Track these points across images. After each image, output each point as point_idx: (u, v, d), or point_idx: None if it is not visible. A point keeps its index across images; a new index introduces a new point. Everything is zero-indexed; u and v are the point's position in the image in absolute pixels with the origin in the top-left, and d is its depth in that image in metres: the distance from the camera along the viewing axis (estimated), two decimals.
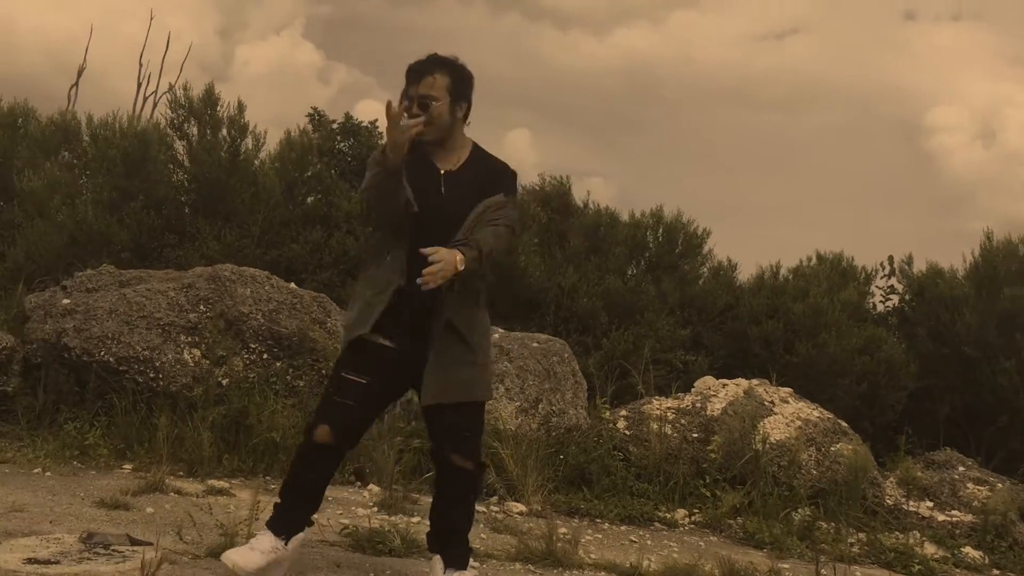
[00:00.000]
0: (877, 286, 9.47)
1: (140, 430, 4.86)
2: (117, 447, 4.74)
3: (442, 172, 3.09)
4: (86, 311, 5.21)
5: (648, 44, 30.19)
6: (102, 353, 5.07)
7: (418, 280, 2.82)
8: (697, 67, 29.11)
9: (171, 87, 12.03)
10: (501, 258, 3.19)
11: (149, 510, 3.76)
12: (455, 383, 3.04)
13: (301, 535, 3.15)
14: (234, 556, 2.93)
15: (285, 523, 3.09)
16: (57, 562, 2.82)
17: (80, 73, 14.25)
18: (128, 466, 4.62)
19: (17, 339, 5.27)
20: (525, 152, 24.01)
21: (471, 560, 3.29)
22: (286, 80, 26.98)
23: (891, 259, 9.45)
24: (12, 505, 3.55)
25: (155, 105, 13.82)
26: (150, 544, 3.11)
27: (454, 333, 3.03)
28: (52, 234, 7.14)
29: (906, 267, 9.48)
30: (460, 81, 3.11)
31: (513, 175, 3.22)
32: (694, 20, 30.71)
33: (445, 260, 2.86)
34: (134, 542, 3.14)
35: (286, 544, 3.06)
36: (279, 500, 3.15)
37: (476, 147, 3.21)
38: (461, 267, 2.88)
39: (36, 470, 4.29)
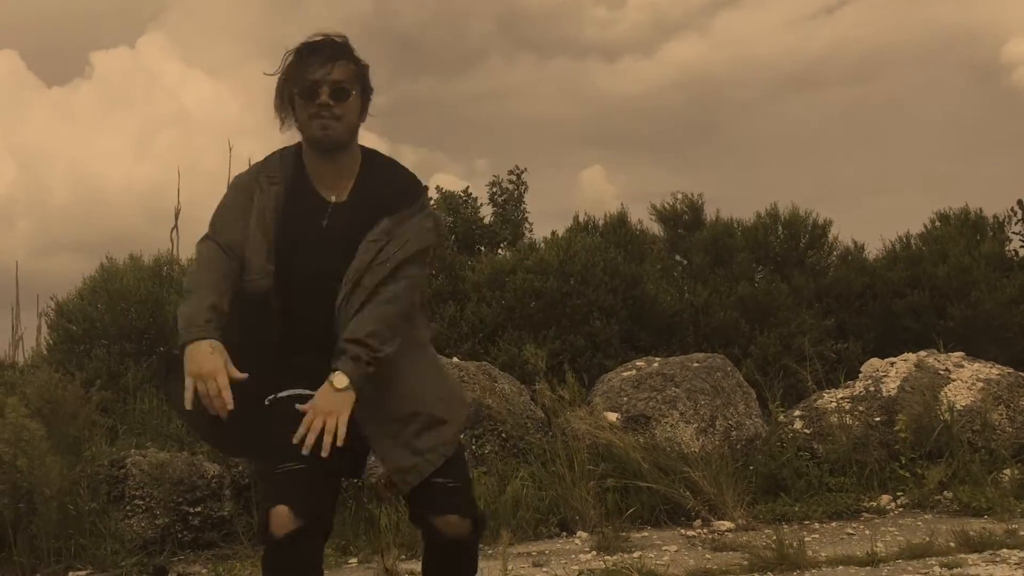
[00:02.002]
0: (1014, 232, 9.21)
1: (355, 525, 5.12)
2: (339, 544, 4.99)
3: (329, 202, 2.41)
4: None
5: (699, 52, 30.11)
6: None
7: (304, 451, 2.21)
8: (754, 62, 28.87)
9: None
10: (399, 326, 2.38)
11: None
12: (417, 453, 2.39)
13: None
14: None
15: None
16: None
17: (177, 215, 15.00)
18: (353, 560, 4.86)
19: (222, 465, 5.62)
20: (602, 187, 24.12)
21: None
22: None
23: (1020, 202, 9.18)
24: None
25: None
26: None
27: (384, 389, 2.35)
28: None
29: None
30: (366, 74, 2.46)
31: (420, 191, 2.50)
32: (739, 18, 30.51)
33: (326, 410, 2.23)
34: None
35: None
36: None
37: (370, 156, 2.49)
38: (340, 386, 2.25)
39: None
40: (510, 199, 11.58)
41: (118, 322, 7.97)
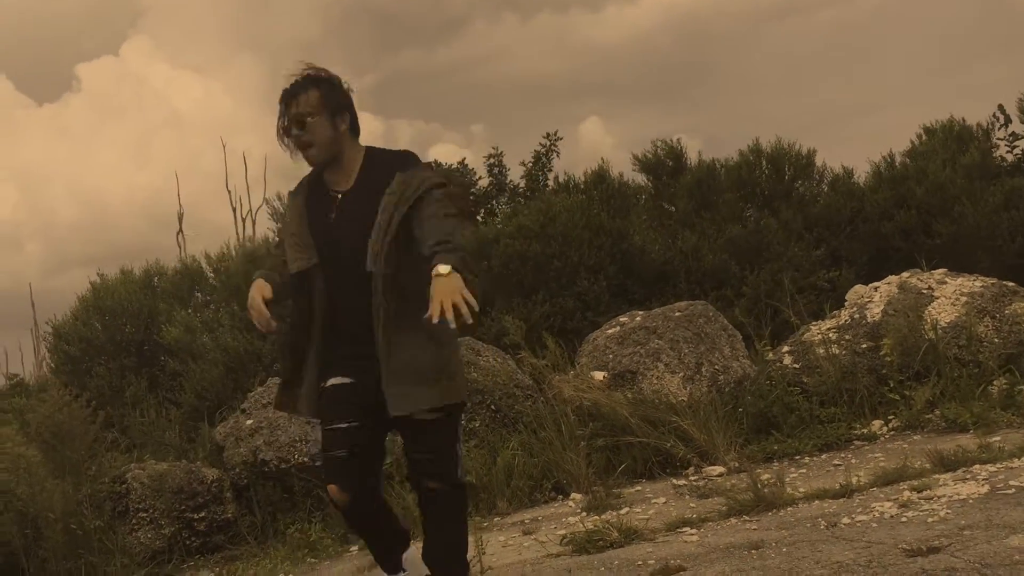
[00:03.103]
0: (999, 139, 9.09)
1: None
2: (339, 534, 5.07)
3: (338, 195, 2.95)
4: (269, 425, 5.61)
5: None
6: (296, 456, 5.46)
7: (439, 322, 2.56)
8: None
9: (265, 200, 12.73)
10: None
11: None
12: (416, 394, 2.84)
13: (407, 553, 3.13)
14: None
15: (388, 563, 3.12)
16: None
17: (181, 219, 15.12)
18: (354, 548, 4.93)
19: (220, 470, 5.71)
20: (602, 138, 23.99)
21: None
22: None
23: (1002, 108, 9.05)
24: None
25: (254, 223, 14.59)
26: None
27: (401, 346, 2.83)
28: (209, 369, 7.64)
29: None
30: (333, 92, 2.95)
31: (415, 157, 2.99)
32: None
33: (446, 290, 2.56)
34: None
35: (405, 570, 3.10)
36: (372, 553, 3.20)
37: (370, 152, 3.02)
38: (459, 276, 2.62)
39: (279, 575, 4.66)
40: (538, 165, 11.60)
41: (114, 339, 8.10)
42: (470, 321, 2.55)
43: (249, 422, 5.74)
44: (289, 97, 2.93)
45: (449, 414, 2.97)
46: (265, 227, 11.43)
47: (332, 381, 2.93)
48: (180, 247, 14.74)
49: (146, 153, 23.21)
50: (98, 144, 24.54)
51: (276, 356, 7.50)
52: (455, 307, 2.52)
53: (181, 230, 15.11)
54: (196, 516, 5.52)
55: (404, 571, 3.12)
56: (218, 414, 6.67)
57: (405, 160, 2.96)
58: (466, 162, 11.93)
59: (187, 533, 5.50)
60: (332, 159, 2.95)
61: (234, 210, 15.09)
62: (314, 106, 2.91)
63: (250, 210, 14.87)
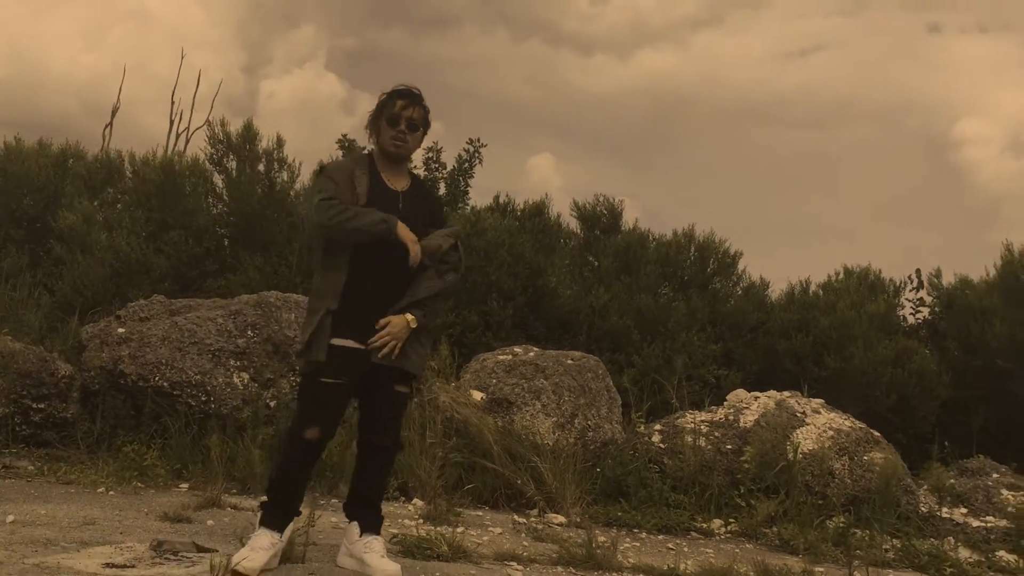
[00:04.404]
0: (907, 299, 9.53)
1: (194, 451, 5.09)
2: (173, 467, 4.97)
3: (398, 191, 3.55)
4: (140, 339, 5.46)
5: (672, 66, 30.48)
6: (156, 378, 5.32)
7: (372, 349, 3.34)
8: (723, 87, 29.31)
9: (208, 123, 12.44)
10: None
11: (210, 523, 3.97)
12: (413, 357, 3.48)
13: (291, 525, 3.45)
14: (243, 561, 3.14)
15: (280, 519, 3.40)
16: (132, 567, 3.03)
17: (114, 113, 14.62)
18: (184, 485, 4.84)
19: (75, 368, 5.53)
20: (549, 176, 24.26)
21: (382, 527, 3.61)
22: (310, 112, 27.61)
23: (918, 272, 9.50)
24: (84, 519, 3.78)
25: (187, 141, 14.23)
26: (215, 551, 3.31)
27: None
28: (95, 266, 7.40)
29: (935, 280, 9.52)
30: (428, 117, 3.66)
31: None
32: (718, 40, 30.97)
33: (396, 326, 3.37)
34: (200, 549, 3.34)
35: (281, 537, 3.37)
36: (269, 500, 3.43)
37: (412, 172, 3.73)
38: (414, 325, 3.40)
39: (100, 490, 4.52)
40: (460, 169, 11.57)
41: (9, 206, 7.77)
42: (392, 357, 3.37)
43: (121, 330, 5.57)
44: (412, 100, 3.57)
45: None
46: (198, 147, 11.15)
47: (345, 342, 3.35)
48: (104, 139, 14.26)
49: (101, 36, 22.43)
50: (55, 11, 23.62)
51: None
52: (390, 345, 3.35)
53: (111, 124, 14.62)
54: (35, 406, 5.32)
55: (282, 535, 3.40)
56: (90, 313, 6.46)
57: (441, 205, 4.07)
58: None
59: (20, 420, 5.30)
60: (402, 160, 3.61)
61: (171, 122, 14.69)
62: (421, 121, 3.60)
63: (187, 127, 14.50)
